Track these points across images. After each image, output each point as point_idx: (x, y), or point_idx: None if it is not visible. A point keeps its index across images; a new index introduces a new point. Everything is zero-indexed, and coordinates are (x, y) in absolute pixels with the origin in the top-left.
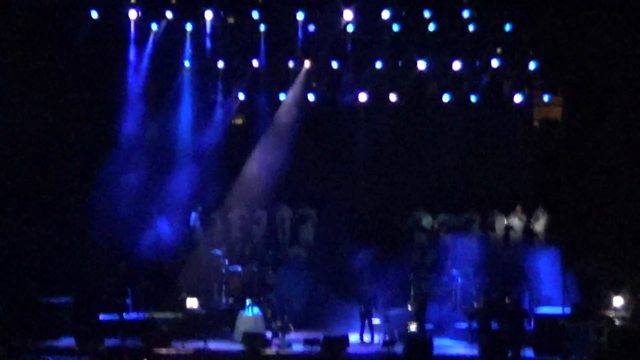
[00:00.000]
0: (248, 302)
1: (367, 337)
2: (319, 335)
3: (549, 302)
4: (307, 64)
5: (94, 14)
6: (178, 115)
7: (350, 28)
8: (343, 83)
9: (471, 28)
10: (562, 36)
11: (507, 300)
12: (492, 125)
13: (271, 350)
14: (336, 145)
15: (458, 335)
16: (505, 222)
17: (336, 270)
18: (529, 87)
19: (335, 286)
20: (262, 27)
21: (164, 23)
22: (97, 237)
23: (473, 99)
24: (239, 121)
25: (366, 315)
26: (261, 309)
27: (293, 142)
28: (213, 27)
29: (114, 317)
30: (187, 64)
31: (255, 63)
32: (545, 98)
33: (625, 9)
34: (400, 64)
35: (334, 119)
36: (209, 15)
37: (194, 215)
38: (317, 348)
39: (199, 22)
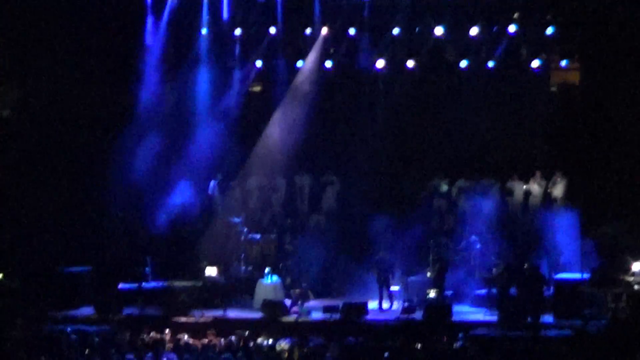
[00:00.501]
0: (267, 270)
1: (386, 304)
2: (338, 302)
3: (568, 268)
4: (324, 31)
5: None
6: (196, 83)
7: None
8: (360, 50)
9: None
10: (579, 1)
11: (525, 266)
12: (510, 90)
13: (290, 318)
14: (354, 112)
15: (477, 302)
16: (524, 188)
17: (356, 238)
18: (546, 53)
19: (354, 254)
20: None
21: None
22: (116, 206)
23: (490, 64)
24: (257, 88)
25: (384, 283)
26: (280, 276)
27: (311, 109)
28: None
29: (133, 286)
30: (204, 31)
31: (272, 30)
32: (563, 63)
33: None
34: (417, 30)
35: (351, 86)
36: None
37: (212, 183)
38: (337, 315)
39: None
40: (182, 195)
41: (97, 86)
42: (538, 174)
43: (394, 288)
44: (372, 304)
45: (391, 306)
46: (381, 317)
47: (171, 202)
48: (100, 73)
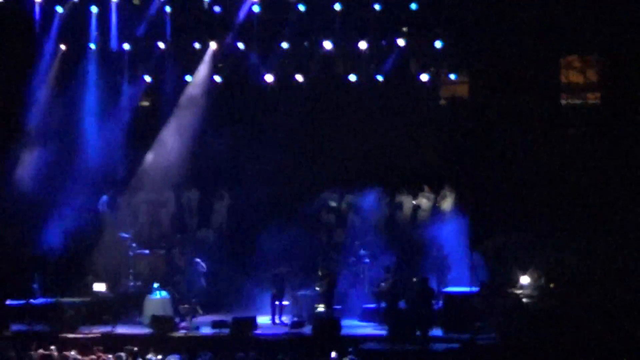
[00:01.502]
0: (156, 285)
1: (277, 319)
2: (227, 317)
3: (456, 282)
4: (213, 45)
5: None
6: (85, 98)
7: (255, 9)
8: (249, 64)
9: (377, 7)
10: (467, 15)
11: (414, 280)
12: (400, 104)
13: (179, 333)
14: (244, 127)
15: (366, 316)
16: (413, 202)
17: (245, 253)
18: (435, 66)
19: (244, 268)
20: (167, 9)
21: (69, 5)
22: (3, 222)
23: (380, 78)
24: (146, 103)
25: (278, 297)
26: (169, 292)
27: (200, 124)
28: (118, 8)
29: (20, 302)
30: (92, 46)
31: (161, 45)
32: (452, 76)
33: None
34: (306, 44)
35: (240, 101)
36: None
37: (102, 198)
38: (226, 330)
39: (105, 4)
40: (70, 211)
41: None
42: (427, 187)
43: (284, 302)
44: (262, 319)
45: (281, 320)
46: (271, 331)
47: (60, 218)
48: None
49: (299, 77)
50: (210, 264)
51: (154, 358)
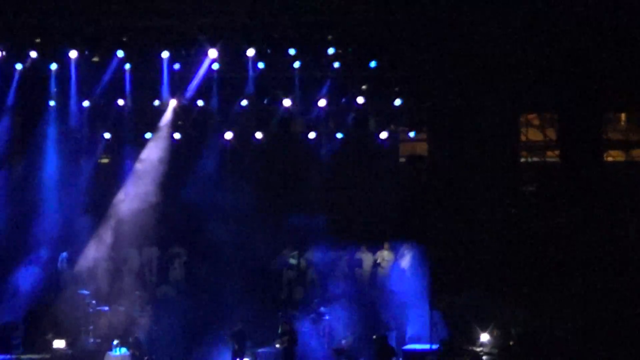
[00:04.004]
0: (115, 342)
1: None
2: None
3: (416, 339)
4: (172, 103)
5: None
6: (44, 155)
7: (215, 66)
8: (209, 122)
9: (336, 65)
10: (425, 73)
11: (374, 337)
12: (359, 162)
13: None
14: (203, 184)
15: None
16: (373, 259)
17: (205, 309)
18: (394, 124)
19: (203, 325)
20: (127, 66)
21: (28, 63)
22: None
23: (339, 135)
24: (105, 160)
25: (238, 353)
26: (128, 349)
27: (159, 181)
28: (78, 66)
29: None
30: (52, 103)
31: (120, 102)
32: (411, 134)
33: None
34: (265, 102)
35: (200, 158)
36: (73, 54)
37: (62, 256)
38: None
39: (64, 61)
40: (29, 267)
41: None
42: (386, 245)
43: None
44: None
45: None
46: None
47: (19, 275)
48: None
49: (259, 135)
50: (170, 320)
51: None
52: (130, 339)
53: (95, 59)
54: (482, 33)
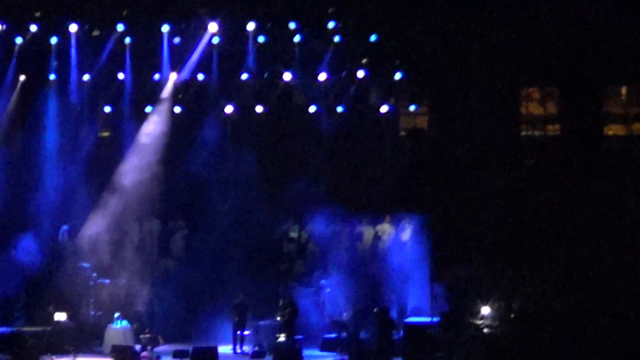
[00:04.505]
0: (116, 315)
1: (238, 348)
2: (188, 347)
3: (417, 312)
4: (173, 76)
5: None
6: (44, 128)
7: (215, 40)
8: (209, 95)
9: (337, 39)
10: (427, 46)
11: (375, 310)
12: (360, 135)
13: None
14: (203, 157)
15: (327, 346)
16: (374, 232)
17: (206, 282)
18: (395, 98)
19: (205, 298)
20: (127, 40)
21: (28, 36)
22: None
23: (340, 109)
24: (106, 134)
25: (239, 326)
26: (129, 321)
27: (160, 154)
28: (78, 40)
29: None
30: (52, 77)
31: (121, 76)
32: (412, 108)
33: (488, 19)
34: (266, 75)
35: (200, 131)
36: (73, 28)
37: (62, 229)
38: None
39: (64, 35)
40: (31, 240)
41: None
42: (387, 217)
43: (245, 332)
44: (223, 349)
45: (242, 350)
46: None
47: (20, 248)
48: None
49: (259, 108)
50: (172, 293)
51: None
52: (132, 312)
53: (96, 32)
54: (483, 6)
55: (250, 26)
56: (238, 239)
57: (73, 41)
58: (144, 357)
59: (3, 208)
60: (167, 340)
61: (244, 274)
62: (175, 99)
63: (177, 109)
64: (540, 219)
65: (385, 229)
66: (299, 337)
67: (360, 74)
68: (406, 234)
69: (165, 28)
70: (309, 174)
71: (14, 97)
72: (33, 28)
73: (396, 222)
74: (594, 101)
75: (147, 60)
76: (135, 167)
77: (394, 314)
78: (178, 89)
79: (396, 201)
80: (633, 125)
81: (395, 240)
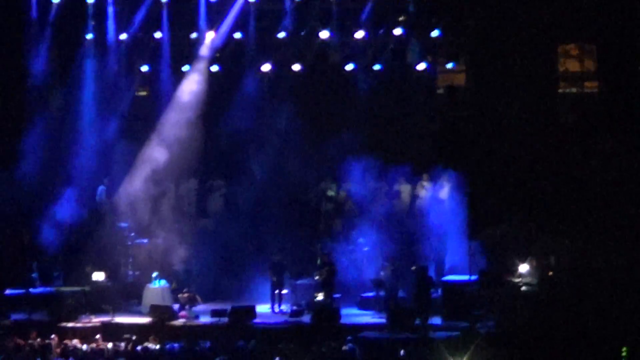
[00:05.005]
0: (154, 274)
1: (276, 307)
2: (226, 306)
3: (455, 270)
4: (210, 35)
5: None
6: (82, 88)
7: None
8: (246, 54)
9: None
10: (464, 3)
11: (413, 268)
12: (397, 94)
13: (178, 322)
14: (241, 116)
15: (365, 304)
16: (412, 190)
17: (244, 241)
18: (432, 55)
19: (242, 257)
20: None
21: None
22: (1, 211)
23: (377, 67)
24: (143, 93)
25: (277, 285)
26: (168, 281)
27: (197, 113)
28: None
29: (20, 291)
30: (89, 37)
31: (158, 35)
32: (449, 65)
33: None
34: (303, 33)
35: (238, 90)
36: None
37: (100, 188)
38: (225, 319)
39: None
40: (69, 200)
41: None
42: (425, 176)
43: (284, 291)
44: (261, 308)
45: (280, 309)
46: (270, 320)
47: (59, 208)
48: None
49: (296, 67)
50: (210, 252)
51: (152, 346)
52: (170, 271)
53: None
54: None
55: None
56: (276, 197)
57: (110, 0)
58: (183, 316)
59: (44, 167)
60: (205, 300)
61: (282, 233)
62: (212, 57)
63: (215, 68)
64: (578, 176)
65: (423, 187)
66: (337, 295)
67: (398, 31)
68: (444, 191)
69: None
70: (346, 132)
71: (52, 58)
72: None
73: (434, 180)
74: (632, 57)
75: (184, 19)
76: (172, 126)
77: (431, 272)
78: (215, 47)
79: (434, 159)
80: None
81: (433, 198)
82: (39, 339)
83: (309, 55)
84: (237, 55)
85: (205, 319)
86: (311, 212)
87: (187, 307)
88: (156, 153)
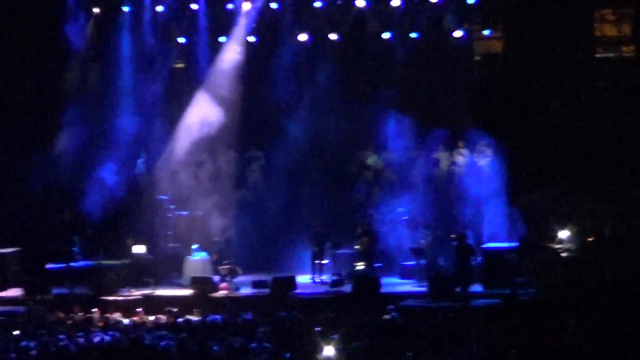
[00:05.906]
0: (195, 246)
1: (317, 277)
2: (266, 277)
3: (495, 237)
4: (246, 6)
5: None
6: (119, 61)
7: None
8: (283, 24)
9: None
10: None
11: (453, 237)
12: (434, 61)
13: (220, 294)
14: (278, 87)
15: (405, 273)
16: (450, 158)
17: (283, 212)
18: (469, 23)
19: (282, 228)
20: None
21: None
22: (42, 186)
23: (413, 35)
24: (180, 65)
25: (318, 255)
26: (208, 252)
27: (235, 85)
28: None
29: (61, 265)
30: (126, 9)
31: (194, 6)
32: (486, 32)
33: None
34: (339, 2)
35: (275, 61)
36: None
37: (139, 161)
38: (266, 290)
39: None
40: (108, 174)
41: (23, 69)
42: (461, 143)
43: (324, 261)
44: (302, 278)
45: (321, 279)
46: (310, 290)
47: (98, 181)
48: (27, 56)
49: (333, 36)
50: (249, 224)
51: (194, 319)
52: (210, 243)
53: None
54: None
55: None
56: (315, 167)
57: None
58: (223, 287)
59: (83, 143)
60: (246, 271)
61: (322, 202)
62: (249, 28)
63: (251, 39)
64: (617, 141)
65: (462, 154)
66: (378, 265)
67: None
68: (482, 159)
69: None
70: (384, 101)
71: (89, 31)
72: None
73: (472, 148)
74: None
75: None
76: (210, 98)
77: (470, 239)
78: (252, 18)
79: (472, 127)
80: None
81: (472, 166)
82: (80, 313)
83: (345, 25)
84: (273, 26)
85: (246, 291)
86: (351, 181)
87: (227, 278)
88: (195, 125)
